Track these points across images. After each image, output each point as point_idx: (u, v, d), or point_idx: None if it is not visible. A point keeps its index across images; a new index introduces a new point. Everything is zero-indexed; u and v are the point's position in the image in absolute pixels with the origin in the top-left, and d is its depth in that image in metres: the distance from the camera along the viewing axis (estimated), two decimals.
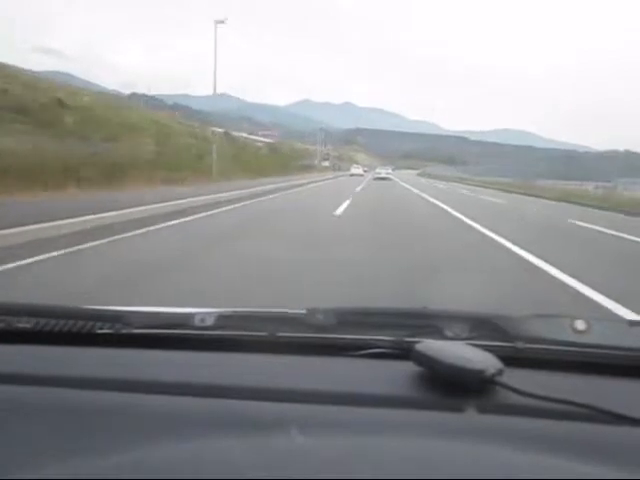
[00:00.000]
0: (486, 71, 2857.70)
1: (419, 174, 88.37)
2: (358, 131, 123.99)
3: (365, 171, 65.68)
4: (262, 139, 61.56)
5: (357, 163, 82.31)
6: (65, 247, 5.52)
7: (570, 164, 30.08)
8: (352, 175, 51.28)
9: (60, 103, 18.90)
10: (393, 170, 72.89)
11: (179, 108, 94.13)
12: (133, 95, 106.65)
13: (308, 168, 47.91)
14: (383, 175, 47.02)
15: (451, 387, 0.70)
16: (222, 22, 23.27)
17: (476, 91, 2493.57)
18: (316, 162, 56.12)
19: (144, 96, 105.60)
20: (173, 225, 8.03)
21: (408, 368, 0.74)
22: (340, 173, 56.64)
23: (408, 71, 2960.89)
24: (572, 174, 26.51)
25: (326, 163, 70.63)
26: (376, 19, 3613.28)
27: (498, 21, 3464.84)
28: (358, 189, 23.14)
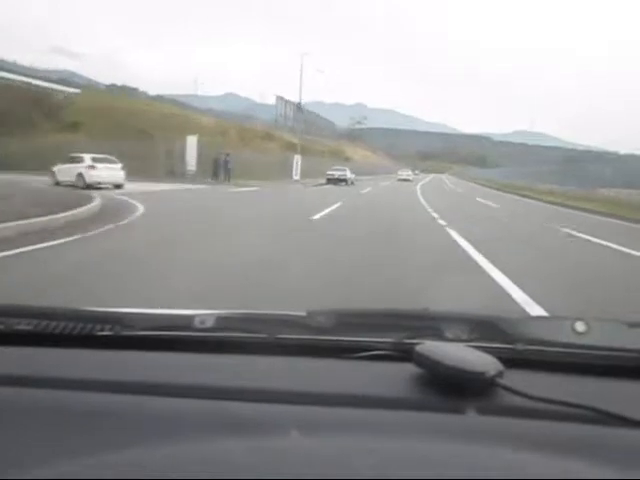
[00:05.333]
0: (501, 75, 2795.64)
1: (484, 183, 48.97)
2: (366, 129, 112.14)
3: (338, 178, 32.90)
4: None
5: (348, 162, 48.40)
6: None
7: (613, 168, 28.52)
8: None
9: None
10: (415, 173, 62.99)
11: (164, 100, 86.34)
12: (112, 86, 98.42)
13: None
14: (404, 177, 48.22)
15: (451, 389, 0.74)
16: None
17: (491, 94, 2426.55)
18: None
19: (126, 87, 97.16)
20: None
21: (409, 370, 0.79)
22: None
23: (422, 74, 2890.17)
24: (626, 179, 24.32)
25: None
26: (389, 21, 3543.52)
27: (510, 24, 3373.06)
28: None
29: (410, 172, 57.77)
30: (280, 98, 46.46)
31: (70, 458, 0.57)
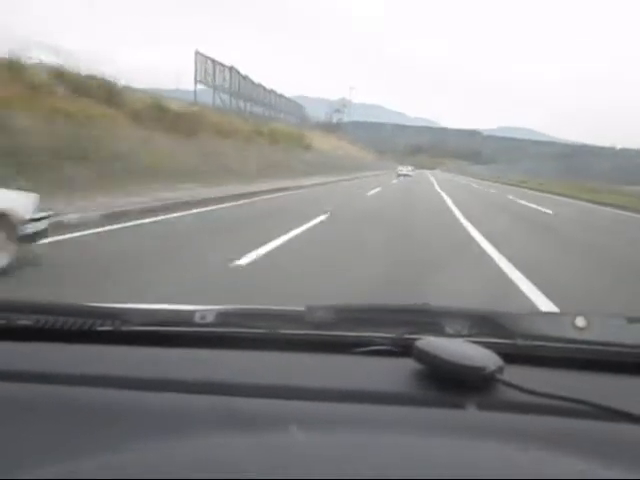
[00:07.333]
0: (484, 70, 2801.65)
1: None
2: (350, 122, 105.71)
3: None
4: None
5: (308, 151, 35.31)
6: None
7: (613, 164, 28.52)
8: None
9: None
10: (413, 170, 59.69)
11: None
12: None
13: None
14: (405, 173, 48.93)
15: (452, 384, 0.75)
16: None
17: (474, 90, 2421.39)
18: None
19: (95, 78, 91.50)
20: None
21: (408, 365, 0.80)
22: None
23: (409, 70, 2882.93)
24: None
25: None
26: (377, 18, 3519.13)
27: (491, 24, 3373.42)
28: None
29: (410, 168, 58.79)
30: (201, 56, 27.16)
31: (71, 454, 0.57)
